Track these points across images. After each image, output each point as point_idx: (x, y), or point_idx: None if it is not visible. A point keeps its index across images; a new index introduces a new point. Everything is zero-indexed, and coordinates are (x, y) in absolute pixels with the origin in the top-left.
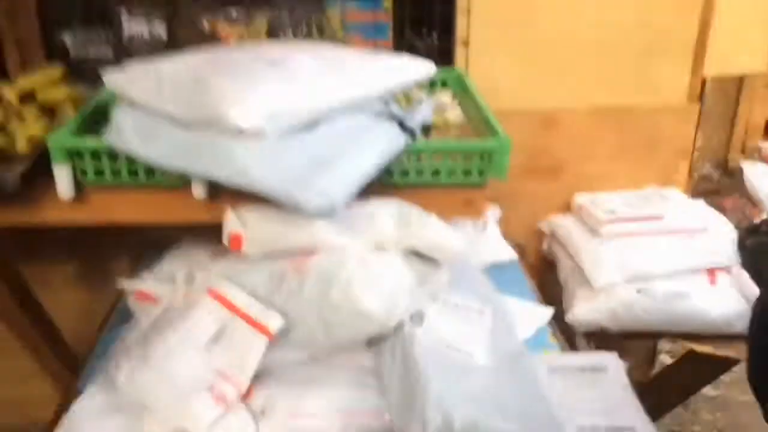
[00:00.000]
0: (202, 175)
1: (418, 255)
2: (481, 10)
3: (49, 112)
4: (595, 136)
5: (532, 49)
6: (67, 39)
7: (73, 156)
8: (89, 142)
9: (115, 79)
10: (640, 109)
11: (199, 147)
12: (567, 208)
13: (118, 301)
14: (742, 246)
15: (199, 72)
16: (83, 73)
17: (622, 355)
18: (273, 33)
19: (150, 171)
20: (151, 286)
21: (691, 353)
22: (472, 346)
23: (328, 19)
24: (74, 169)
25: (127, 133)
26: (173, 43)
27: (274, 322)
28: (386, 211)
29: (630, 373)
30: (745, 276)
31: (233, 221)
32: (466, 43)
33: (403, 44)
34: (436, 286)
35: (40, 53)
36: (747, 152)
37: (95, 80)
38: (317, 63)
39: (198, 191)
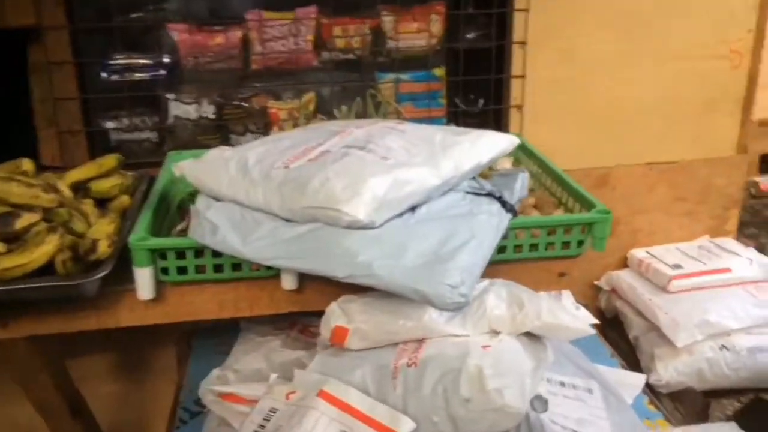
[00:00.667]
0: (314, 273)
1: (526, 334)
2: (535, 75)
3: (101, 201)
4: (648, 191)
5: (585, 111)
6: (110, 124)
7: (156, 256)
8: (175, 242)
9: (193, 169)
10: (694, 162)
11: (311, 245)
12: (623, 264)
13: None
14: None
15: (292, 162)
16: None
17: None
18: (322, 108)
19: (237, 265)
20: (242, 389)
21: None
22: (597, 430)
23: (380, 91)
24: (155, 268)
25: (223, 231)
26: (221, 123)
27: (406, 427)
28: (495, 292)
29: None
30: None
31: (337, 315)
32: (519, 108)
33: (455, 112)
34: (545, 367)
35: (82, 140)
36: None
37: (139, 165)
38: (405, 143)
39: (288, 283)
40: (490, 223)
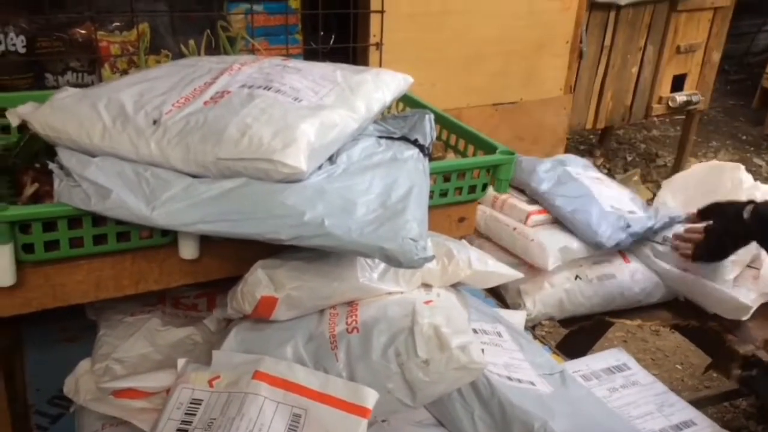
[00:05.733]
0: (245, 237)
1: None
2: (394, 10)
3: None
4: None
5: (440, 50)
6: None
7: (15, 230)
8: (44, 210)
9: (44, 117)
10: (528, 103)
11: (242, 204)
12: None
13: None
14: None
15: (184, 105)
16: None
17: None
18: (159, 42)
19: (123, 233)
20: (141, 382)
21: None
22: (526, 375)
23: (229, 24)
24: (15, 245)
25: (118, 193)
26: (34, 59)
27: (370, 398)
28: None
29: None
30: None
31: (264, 283)
32: (378, 46)
33: (312, 50)
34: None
35: None
36: None
37: None
38: (309, 83)
39: (189, 251)
40: (419, 169)
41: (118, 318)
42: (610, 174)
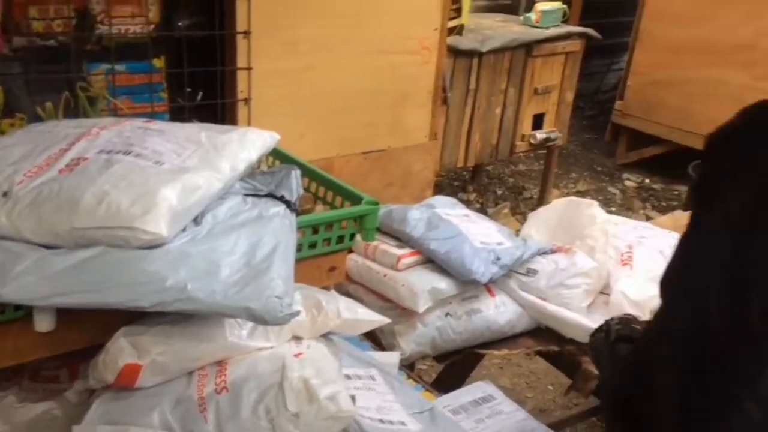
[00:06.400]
0: (104, 307)
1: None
2: (260, 67)
3: None
4: (364, 179)
5: (308, 103)
6: None
7: None
8: None
9: None
10: (396, 150)
11: (99, 274)
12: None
13: None
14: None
15: (37, 175)
16: None
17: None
18: (14, 104)
19: None
20: None
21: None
22: (396, 415)
23: (90, 83)
24: None
25: None
26: None
27: None
28: None
29: None
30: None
31: (126, 351)
32: (247, 102)
33: (180, 108)
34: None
35: None
36: None
37: None
38: (172, 145)
39: (44, 324)
40: (285, 225)
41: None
42: (483, 208)
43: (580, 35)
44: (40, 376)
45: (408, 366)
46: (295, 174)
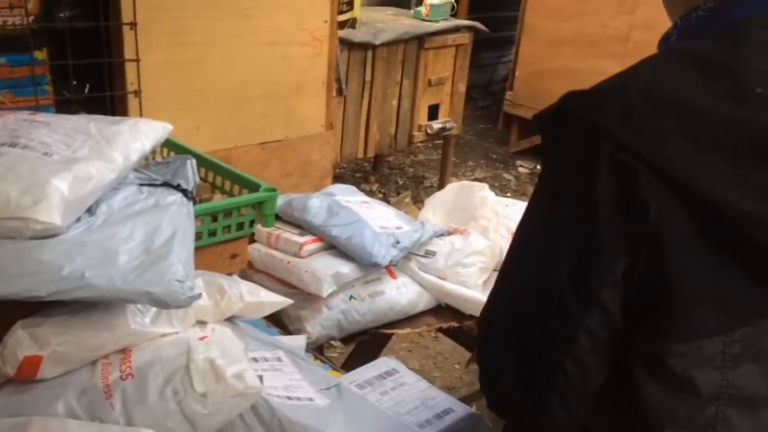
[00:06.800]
0: (4, 298)
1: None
2: (149, 59)
3: None
4: (263, 169)
5: (201, 94)
6: None
7: None
8: None
9: None
10: (294, 140)
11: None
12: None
13: None
14: None
15: None
16: None
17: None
18: None
19: None
20: None
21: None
22: (304, 392)
23: None
24: None
25: None
26: None
27: None
28: None
29: None
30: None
31: (26, 344)
32: (137, 94)
33: (66, 101)
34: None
35: None
36: None
37: None
38: (61, 137)
39: None
40: (182, 213)
41: None
42: (385, 198)
43: (469, 28)
44: None
45: (317, 349)
46: (191, 163)
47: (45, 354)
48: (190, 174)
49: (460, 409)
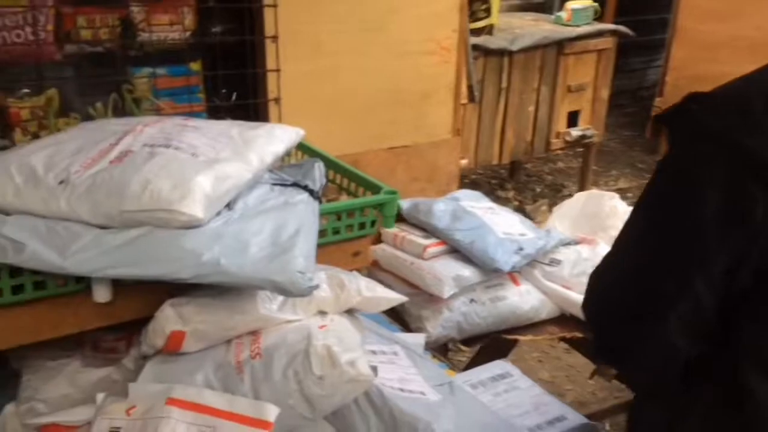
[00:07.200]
0: (150, 279)
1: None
2: (288, 68)
3: None
4: (390, 173)
5: (334, 101)
6: None
7: None
8: None
9: None
10: (421, 145)
11: (146, 250)
12: (377, 240)
13: None
14: None
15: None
16: None
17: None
18: (68, 105)
19: (39, 283)
20: (63, 416)
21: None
22: (417, 386)
23: (135, 86)
24: None
25: (33, 246)
26: None
27: (271, 413)
28: (317, 277)
29: None
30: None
31: (172, 320)
32: (277, 101)
33: (215, 107)
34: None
35: None
36: None
37: None
38: (207, 140)
39: (102, 295)
40: (308, 211)
41: (40, 363)
42: (521, 205)
43: (613, 32)
44: (100, 347)
45: (440, 351)
46: (319, 166)
47: (188, 330)
48: (317, 176)
49: (574, 418)
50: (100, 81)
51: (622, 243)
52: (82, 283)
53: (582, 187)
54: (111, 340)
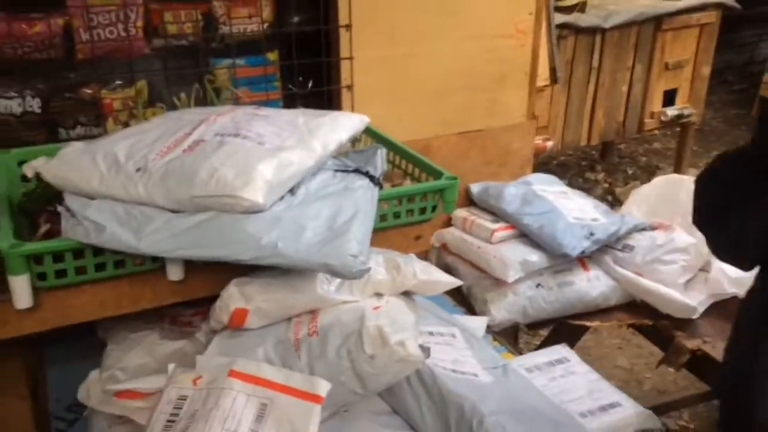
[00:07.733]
0: (215, 260)
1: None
2: (361, 56)
3: None
4: (462, 157)
5: (406, 87)
6: None
7: (31, 262)
8: (53, 245)
9: (53, 168)
10: (494, 130)
11: (212, 233)
12: (447, 223)
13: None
14: None
15: (166, 154)
16: None
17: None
18: (156, 96)
19: (119, 262)
20: (139, 384)
21: None
22: (470, 368)
23: (216, 77)
24: (31, 275)
25: (112, 228)
26: (48, 117)
27: (323, 388)
28: (374, 260)
29: None
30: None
31: (236, 298)
32: (350, 88)
33: (291, 95)
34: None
35: None
36: None
37: None
38: (274, 128)
39: (175, 273)
40: (366, 197)
41: (123, 335)
42: (611, 187)
43: (717, 5)
44: (178, 321)
45: (512, 335)
46: (381, 153)
47: (250, 308)
48: (379, 162)
49: (630, 406)
50: (185, 73)
51: None
52: (158, 263)
53: (677, 169)
54: (188, 315)
